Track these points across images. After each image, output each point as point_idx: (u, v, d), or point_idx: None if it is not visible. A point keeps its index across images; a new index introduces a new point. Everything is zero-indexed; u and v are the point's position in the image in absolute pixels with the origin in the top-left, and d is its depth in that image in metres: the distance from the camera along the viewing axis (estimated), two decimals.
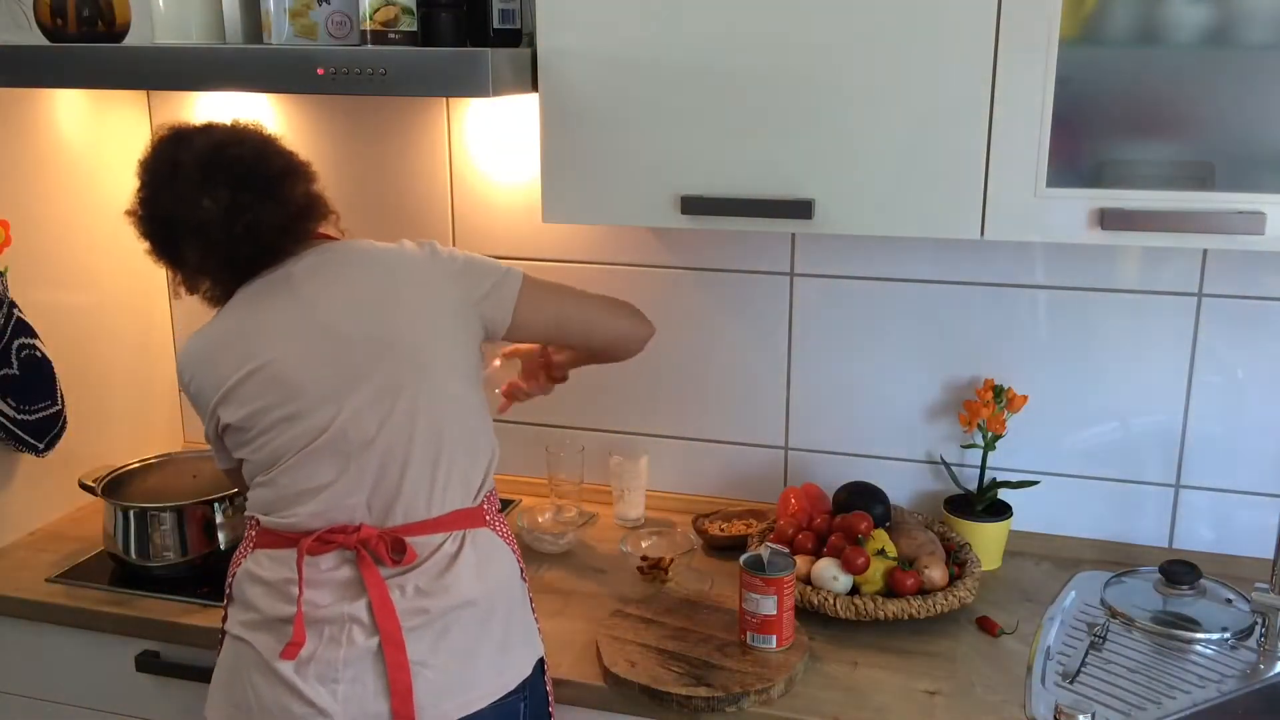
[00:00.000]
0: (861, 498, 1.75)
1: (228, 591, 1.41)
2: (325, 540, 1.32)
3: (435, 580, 1.32)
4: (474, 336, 1.42)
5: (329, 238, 1.46)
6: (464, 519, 1.37)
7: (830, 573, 1.61)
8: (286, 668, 1.27)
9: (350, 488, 1.32)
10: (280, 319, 1.35)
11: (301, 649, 1.27)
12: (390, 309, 1.36)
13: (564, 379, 1.70)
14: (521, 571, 1.44)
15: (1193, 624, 1.54)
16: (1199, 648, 1.52)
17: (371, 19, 1.58)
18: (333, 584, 1.32)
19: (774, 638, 1.48)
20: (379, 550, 1.31)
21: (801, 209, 1.49)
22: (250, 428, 1.34)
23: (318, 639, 1.28)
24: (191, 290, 1.43)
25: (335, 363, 1.32)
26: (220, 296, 1.41)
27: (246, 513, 1.41)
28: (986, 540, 1.75)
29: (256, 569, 1.36)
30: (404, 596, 1.30)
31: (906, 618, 1.55)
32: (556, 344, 1.63)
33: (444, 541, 1.35)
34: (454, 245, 2.04)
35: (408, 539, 1.33)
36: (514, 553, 1.43)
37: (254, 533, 1.39)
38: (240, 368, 1.33)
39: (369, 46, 1.58)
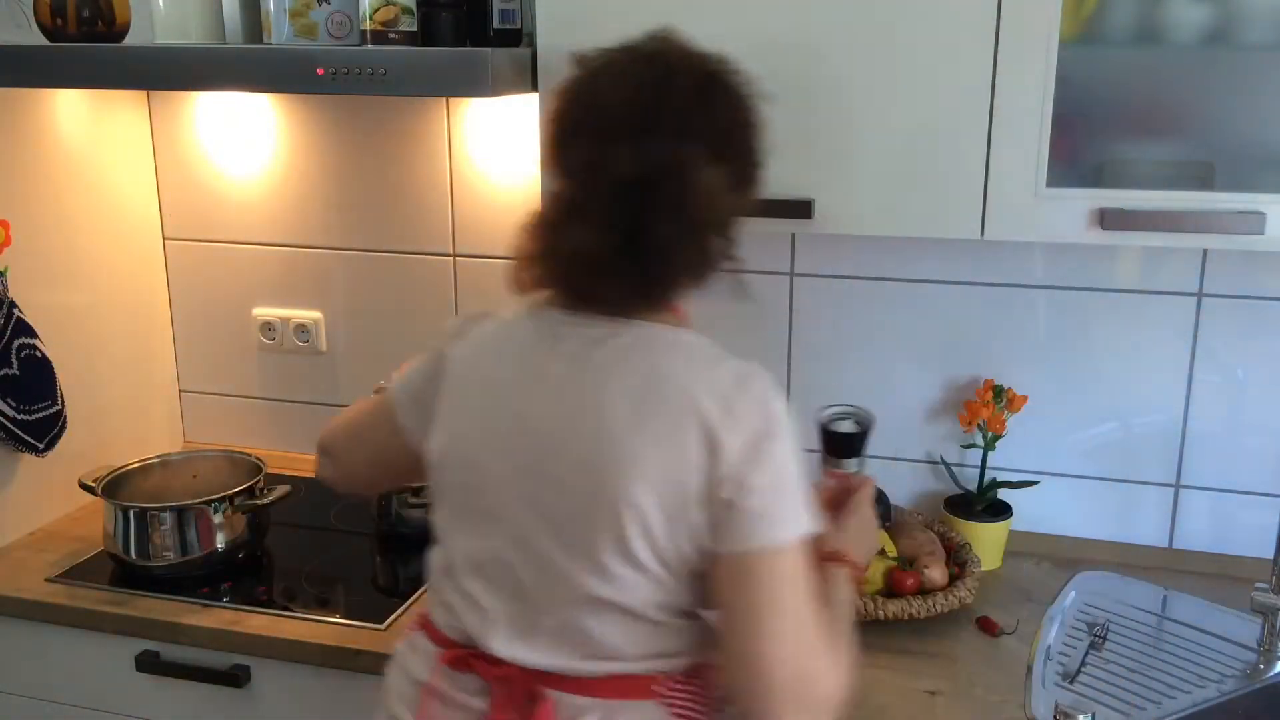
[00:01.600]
0: None
1: None
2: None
3: None
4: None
5: (674, 317, 1.18)
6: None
7: None
8: None
9: None
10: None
11: None
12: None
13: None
14: None
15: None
16: (1199, 648, 1.52)
17: (371, 19, 1.58)
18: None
19: None
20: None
21: (801, 209, 1.49)
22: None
23: None
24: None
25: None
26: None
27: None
28: (986, 540, 1.75)
29: (408, 653, 1.23)
30: None
31: (906, 618, 1.55)
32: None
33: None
34: (454, 245, 2.05)
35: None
36: None
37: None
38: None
39: (369, 46, 1.58)
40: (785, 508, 1.08)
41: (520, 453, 1.12)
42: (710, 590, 1.10)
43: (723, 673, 1.11)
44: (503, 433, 1.14)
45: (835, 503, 1.33)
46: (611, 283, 1.10)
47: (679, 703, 1.14)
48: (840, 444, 1.43)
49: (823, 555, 1.22)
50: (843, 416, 1.42)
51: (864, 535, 1.30)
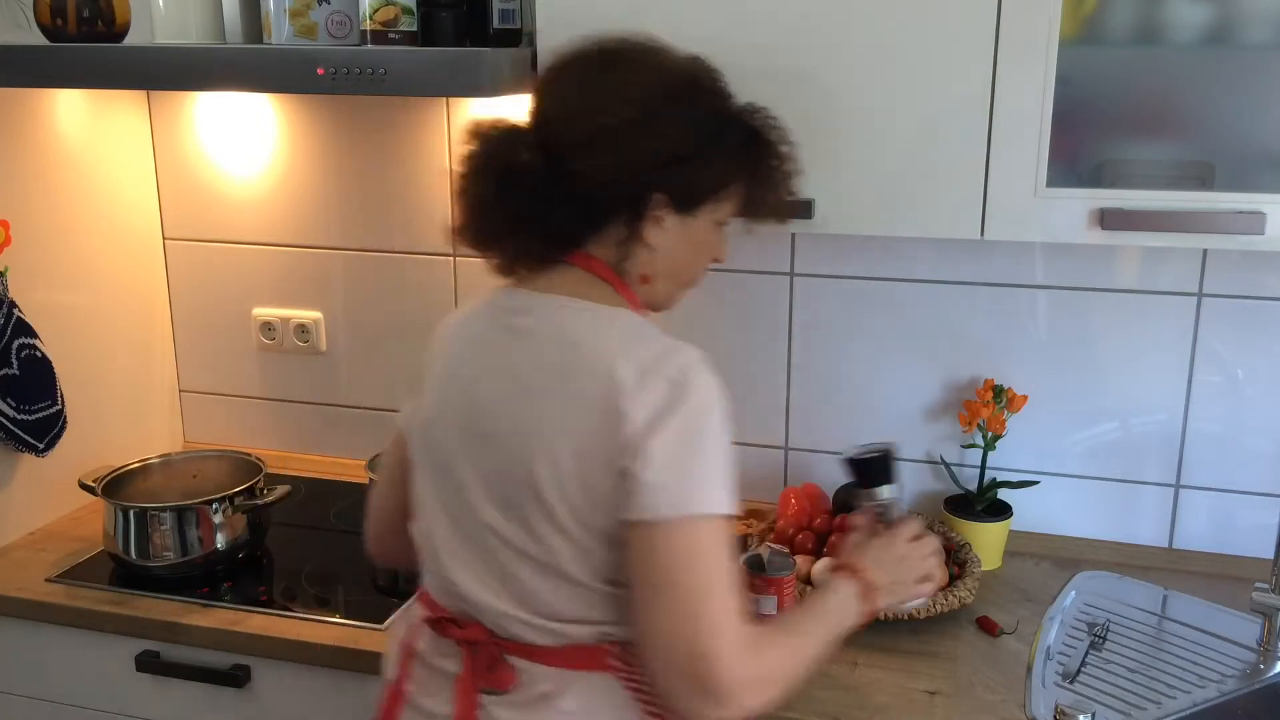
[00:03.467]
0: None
1: None
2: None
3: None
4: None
5: (592, 270, 1.21)
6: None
7: None
8: None
9: None
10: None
11: None
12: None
13: None
14: None
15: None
16: (1199, 648, 1.52)
17: (371, 19, 1.58)
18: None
19: None
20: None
21: (801, 209, 1.49)
22: None
23: None
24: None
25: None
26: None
27: None
28: (986, 540, 1.75)
29: (402, 618, 1.31)
30: None
31: (906, 618, 1.55)
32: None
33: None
34: (454, 245, 2.04)
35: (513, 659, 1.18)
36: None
37: None
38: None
39: (369, 46, 1.58)
40: (688, 483, 1.07)
41: (463, 416, 1.19)
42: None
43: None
44: (453, 399, 1.21)
45: (873, 533, 1.34)
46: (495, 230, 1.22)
47: (632, 675, 1.16)
48: (864, 471, 1.40)
49: (835, 566, 1.29)
50: (867, 450, 1.42)
51: (889, 560, 1.29)
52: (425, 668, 1.25)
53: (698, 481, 1.08)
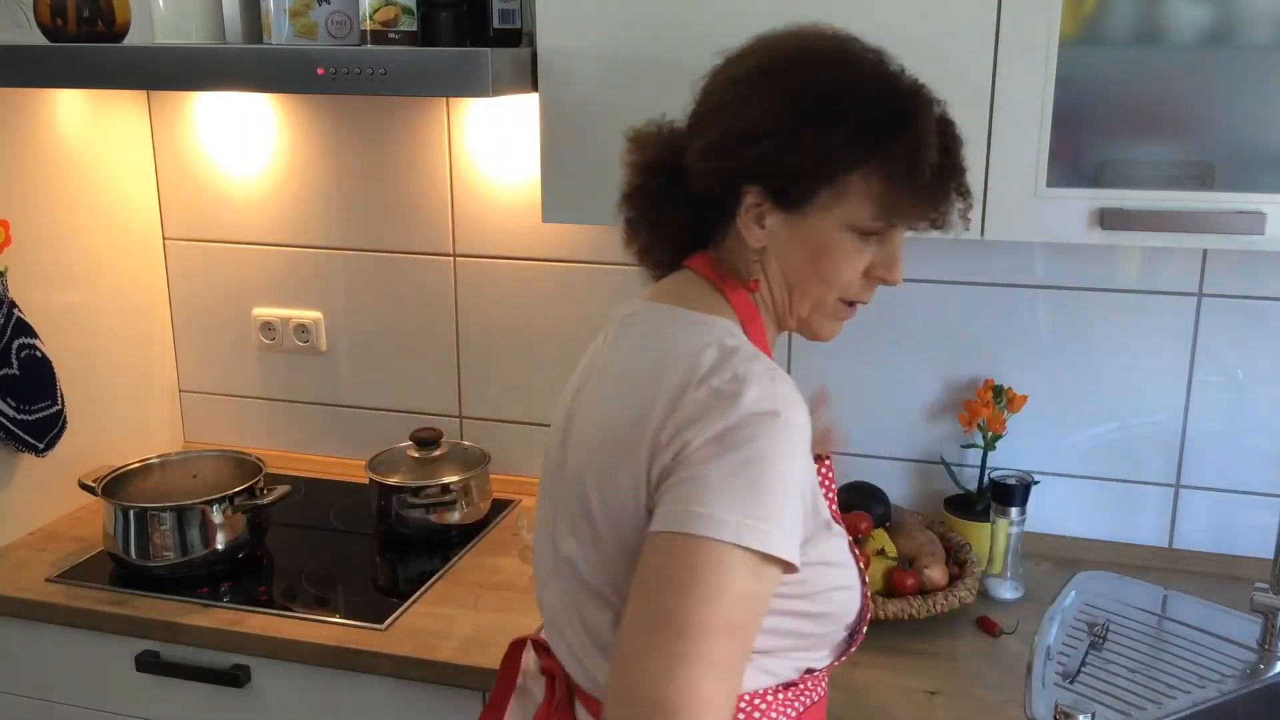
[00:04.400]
0: (861, 497, 1.75)
1: None
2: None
3: None
4: None
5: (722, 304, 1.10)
6: None
7: None
8: None
9: None
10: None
11: None
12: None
13: None
14: None
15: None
16: (1199, 648, 1.52)
17: (371, 19, 1.58)
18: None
19: None
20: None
21: None
22: None
23: None
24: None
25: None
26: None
27: None
28: (987, 540, 1.75)
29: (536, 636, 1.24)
30: None
31: (906, 618, 1.55)
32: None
33: None
34: (454, 245, 2.06)
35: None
36: None
37: None
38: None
39: (369, 46, 1.58)
40: (711, 499, 0.91)
41: (557, 434, 1.14)
42: None
43: None
44: (559, 418, 1.15)
45: None
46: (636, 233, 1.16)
47: None
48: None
49: None
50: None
51: None
52: (522, 692, 1.20)
53: (726, 502, 0.91)
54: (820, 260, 1.05)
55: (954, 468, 1.85)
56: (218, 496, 1.73)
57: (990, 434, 1.77)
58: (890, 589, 1.61)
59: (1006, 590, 1.67)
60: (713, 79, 1.09)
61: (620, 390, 1.04)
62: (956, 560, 1.68)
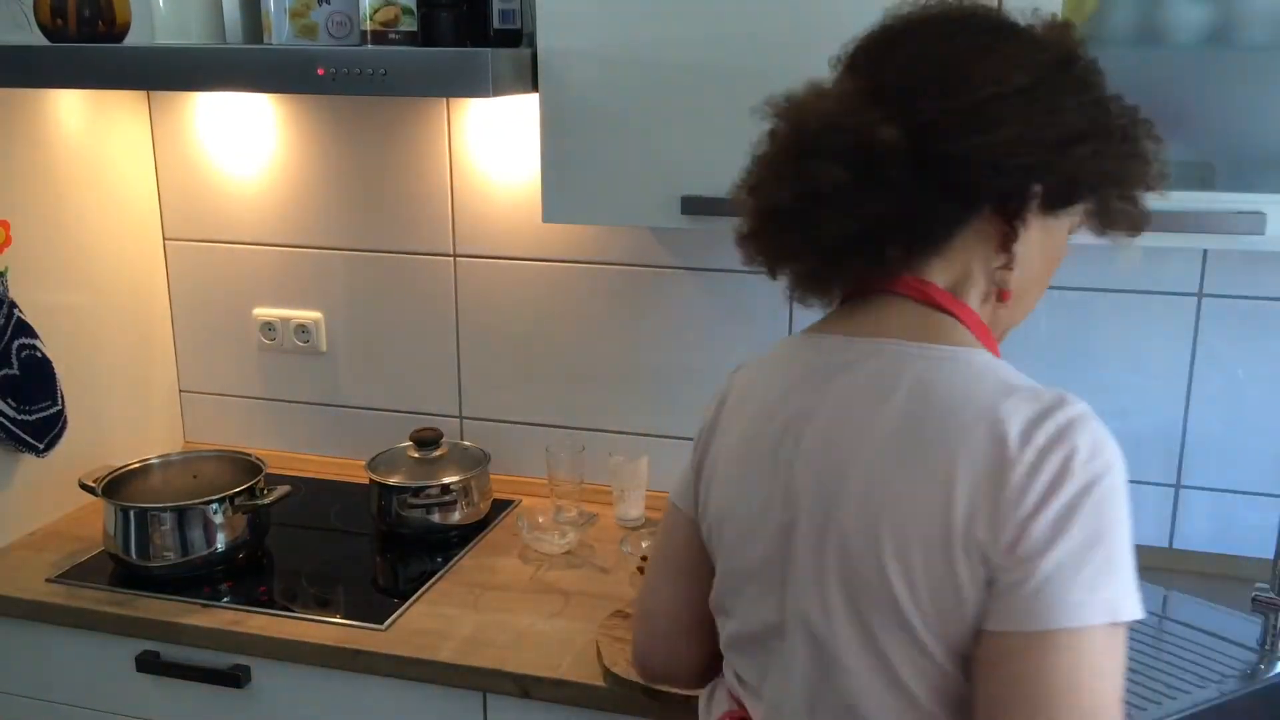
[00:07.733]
0: None
1: None
2: None
3: None
4: None
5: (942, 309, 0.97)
6: None
7: None
8: None
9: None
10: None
11: None
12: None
13: None
14: None
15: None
16: (1199, 648, 1.52)
17: (371, 19, 1.58)
18: None
19: None
20: None
21: None
22: None
23: None
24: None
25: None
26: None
27: None
28: None
29: (707, 698, 1.12)
30: None
31: None
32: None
33: None
34: (454, 245, 2.06)
35: None
36: None
37: None
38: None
39: (369, 46, 1.58)
40: (1085, 581, 0.84)
41: (787, 500, 0.96)
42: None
43: None
44: (765, 479, 0.98)
45: None
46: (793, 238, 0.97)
47: None
48: None
49: None
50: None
51: None
52: None
53: (1107, 580, 0.84)
54: (1053, 264, 1.02)
55: None
56: (218, 497, 1.73)
57: None
58: None
59: None
60: (968, 55, 0.93)
61: (920, 459, 0.89)
62: None
